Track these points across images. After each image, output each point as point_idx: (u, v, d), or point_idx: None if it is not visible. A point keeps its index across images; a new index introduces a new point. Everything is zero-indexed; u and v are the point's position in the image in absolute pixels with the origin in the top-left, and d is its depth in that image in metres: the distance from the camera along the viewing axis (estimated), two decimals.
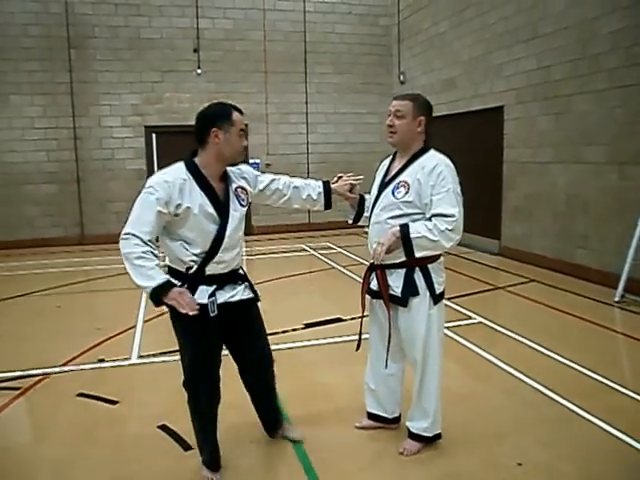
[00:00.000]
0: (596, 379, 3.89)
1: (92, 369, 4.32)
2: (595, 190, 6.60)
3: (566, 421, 3.33)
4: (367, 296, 3.03)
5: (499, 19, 8.22)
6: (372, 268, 2.95)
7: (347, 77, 11.55)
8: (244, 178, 2.84)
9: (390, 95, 3.15)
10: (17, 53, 9.80)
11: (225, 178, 2.72)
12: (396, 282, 2.84)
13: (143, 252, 2.43)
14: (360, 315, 3.07)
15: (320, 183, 3.07)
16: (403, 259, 2.77)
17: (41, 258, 9.09)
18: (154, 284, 2.39)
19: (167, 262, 2.69)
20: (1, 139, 9.92)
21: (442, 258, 2.92)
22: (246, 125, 2.72)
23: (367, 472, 2.85)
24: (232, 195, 2.70)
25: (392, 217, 2.81)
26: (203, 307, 2.53)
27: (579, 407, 3.45)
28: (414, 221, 2.74)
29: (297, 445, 3.10)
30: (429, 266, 2.82)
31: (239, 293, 2.75)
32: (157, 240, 2.62)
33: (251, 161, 10.48)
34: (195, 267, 2.58)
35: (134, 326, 5.31)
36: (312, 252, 9.25)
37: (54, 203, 10.28)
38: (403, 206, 2.78)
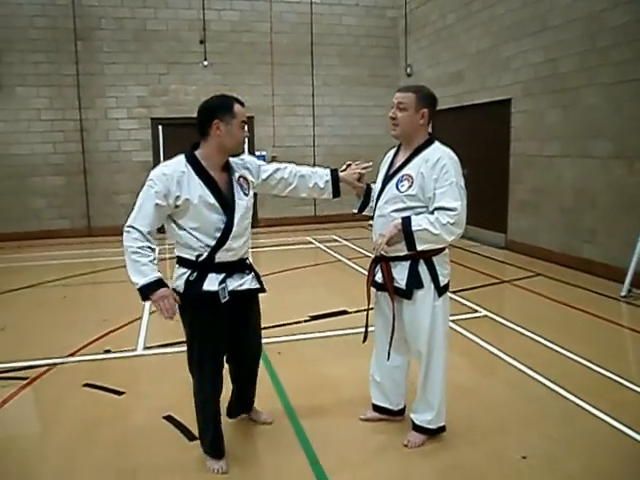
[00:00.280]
0: (601, 373, 3.88)
1: (98, 360, 4.35)
2: (602, 184, 6.56)
3: (571, 415, 3.33)
4: (372, 289, 3.03)
5: (507, 11, 8.15)
6: (377, 261, 2.95)
7: (354, 69, 11.50)
8: (246, 168, 2.86)
9: (397, 88, 3.19)
10: (23, 44, 9.81)
11: (228, 169, 2.74)
12: (400, 274, 2.84)
13: (140, 247, 2.52)
14: (365, 308, 3.07)
15: (327, 171, 3.05)
16: (407, 252, 2.77)
17: (48, 250, 9.13)
18: (143, 281, 2.51)
19: (176, 252, 2.72)
20: (7, 131, 9.94)
21: (447, 250, 2.91)
22: (250, 117, 2.74)
23: (371, 464, 2.86)
24: (236, 185, 2.73)
25: (395, 210, 2.80)
26: (213, 294, 2.60)
27: (584, 401, 3.44)
28: (418, 214, 2.74)
29: (301, 436, 3.11)
30: (434, 258, 2.82)
31: (247, 282, 2.79)
32: (159, 231, 2.67)
33: (257, 154, 10.48)
34: (205, 255, 2.62)
35: (140, 317, 5.33)
36: (318, 245, 9.25)
37: (61, 195, 10.31)
38: (407, 199, 2.77)
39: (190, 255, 2.65)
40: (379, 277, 2.93)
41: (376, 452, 2.97)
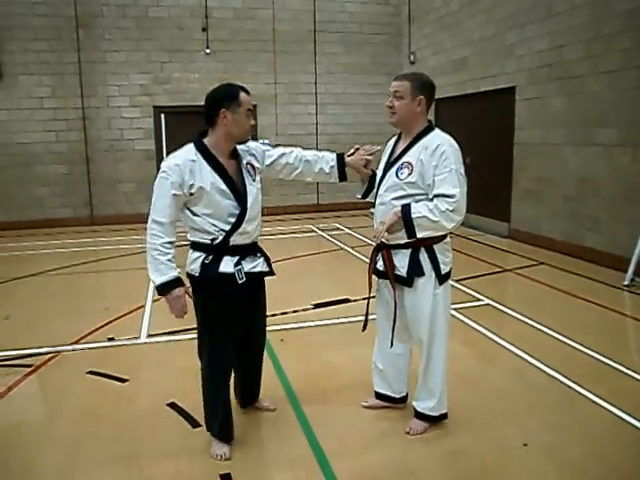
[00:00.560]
0: (604, 362, 3.88)
1: (102, 348, 4.37)
2: (607, 172, 6.53)
3: (573, 403, 3.34)
4: (374, 276, 3.03)
5: None
6: (378, 248, 2.95)
7: (357, 57, 11.43)
8: (252, 155, 2.91)
9: (422, 73, 3.16)
10: (25, 32, 9.77)
11: (235, 156, 2.80)
12: (401, 262, 2.84)
13: (160, 244, 2.60)
14: (367, 296, 3.07)
15: (333, 156, 3.06)
16: (407, 239, 2.77)
17: (51, 238, 9.15)
18: (160, 280, 2.60)
19: (190, 237, 2.77)
20: (10, 119, 9.93)
21: (448, 238, 2.91)
22: (254, 105, 2.76)
23: (373, 450, 2.88)
24: (244, 171, 2.79)
25: (396, 198, 2.80)
26: (230, 276, 2.69)
27: (586, 389, 3.45)
28: (418, 202, 2.74)
29: (304, 423, 3.13)
30: (435, 246, 2.82)
31: (259, 265, 2.87)
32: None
33: (260, 141, 10.44)
34: (220, 238, 2.68)
35: (143, 305, 5.35)
36: (321, 233, 9.24)
37: (63, 184, 10.32)
38: (407, 187, 2.77)
39: (205, 239, 2.71)
40: (380, 265, 2.94)
41: (378, 439, 2.99)
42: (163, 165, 2.66)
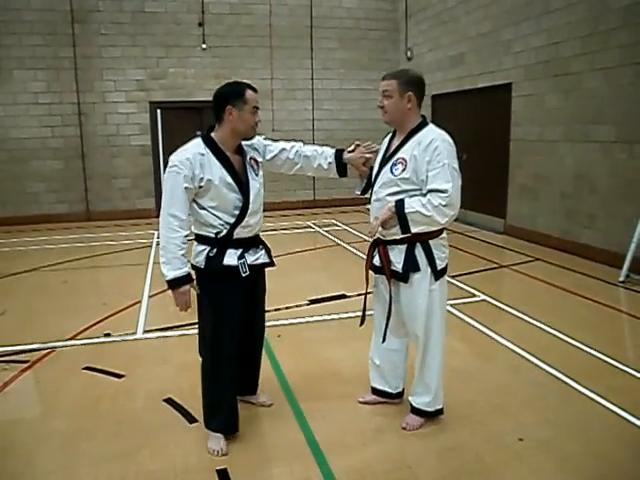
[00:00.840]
0: (600, 358, 3.90)
1: (98, 343, 4.37)
2: (604, 169, 6.54)
3: (568, 399, 3.35)
4: (371, 272, 3.04)
5: None
6: (375, 244, 2.95)
7: (353, 53, 11.41)
8: (255, 149, 2.97)
9: (409, 69, 3.17)
10: (20, 27, 9.70)
11: (240, 151, 2.86)
12: (397, 258, 2.85)
13: (178, 238, 2.66)
14: (364, 291, 3.08)
15: (332, 152, 3.08)
16: (402, 235, 2.78)
17: (47, 234, 9.12)
18: (171, 275, 2.66)
19: (195, 230, 2.82)
20: (6, 114, 9.87)
21: (444, 234, 2.91)
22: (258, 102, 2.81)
23: (370, 446, 2.89)
24: (248, 166, 2.85)
25: (390, 194, 2.82)
26: (234, 268, 2.75)
27: (581, 385, 3.47)
28: (412, 197, 2.74)
29: (300, 418, 3.13)
30: (430, 242, 2.83)
31: (261, 257, 2.93)
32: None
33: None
34: (224, 231, 2.75)
35: (139, 301, 5.34)
36: (317, 229, 9.25)
37: (59, 179, 10.27)
38: (401, 183, 2.78)
39: (209, 232, 2.76)
40: (377, 260, 2.95)
41: (374, 434, 3.00)
42: (173, 159, 2.69)
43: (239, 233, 2.78)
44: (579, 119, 6.87)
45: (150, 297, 5.45)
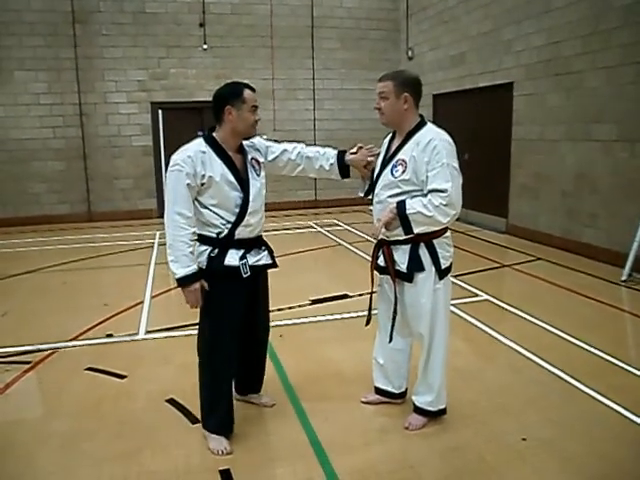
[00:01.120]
0: (602, 357, 3.89)
1: (100, 344, 4.37)
2: (605, 168, 6.53)
3: (571, 398, 3.35)
4: (376, 272, 3.04)
5: None
6: (380, 245, 2.95)
7: (354, 53, 11.41)
8: (256, 150, 2.98)
9: (404, 69, 3.20)
10: (21, 28, 9.71)
11: (242, 151, 2.88)
12: (402, 258, 2.85)
13: (186, 235, 2.66)
14: (367, 291, 3.08)
15: (334, 154, 3.07)
16: (405, 235, 2.78)
17: (48, 235, 9.12)
18: (181, 273, 2.66)
19: (197, 231, 2.81)
20: (7, 115, 9.88)
21: (449, 233, 2.91)
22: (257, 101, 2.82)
23: (373, 446, 2.88)
24: (249, 166, 2.86)
25: (392, 195, 2.82)
26: (235, 269, 2.76)
27: (584, 384, 3.46)
28: (413, 198, 2.74)
29: (303, 418, 3.13)
30: (434, 241, 2.83)
31: (264, 258, 2.93)
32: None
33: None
34: (226, 231, 2.76)
35: (141, 302, 5.34)
36: (319, 229, 9.25)
37: (61, 180, 10.28)
38: (402, 184, 2.78)
39: (211, 232, 2.77)
40: (381, 261, 2.95)
41: (377, 434, 3.00)
42: (175, 158, 2.70)
43: (240, 233, 2.78)
44: (580, 118, 6.86)
45: (152, 298, 5.45)
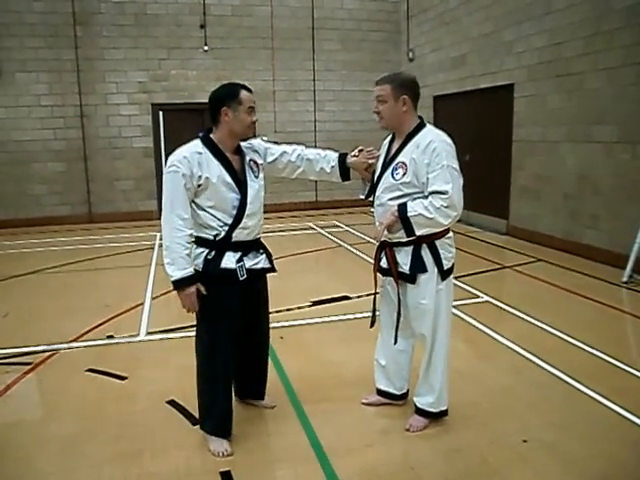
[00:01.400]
0: (603, 359, 3.88)
1: (101, 345, 4.36)
2: (606, 169, 6.52)
3: (572, 400, 3.34)
4: (379, 274, 3.03)
5: None
6: (382, 247, 2.95)
7: (355, 54, 11.41)
8: (255, 151, 2.96)
9: (401, 72, 3.22)
10: (22, 29, 9.72)
11: (239, 152, 2.85)
12: (404, 259, 2.85)
13: (183, 237, 2.64)
14: (369, 293, 3.08)
15: (335, 156, 3.06)
16: (407, 238, 2.78)
17: (49, 236, 9.13)
18: (177, 275, 2.63)
19: (194, 233, 2.78)
20: (8, 117, 9.89)
21: (451, 233, 2.91)
22: (254, 102, 2.79)
23: (374, 447, 2.87)
24: (247, 167, 2.84)
25: (393, 198, 2.82)
26: (231, 272, 2.74)
27: (585, 386, 3.45)
28: (415, 200, 2.74)
29: (304, 420, 3.12)
30: (436, 242, 2.82)
31: (261, 262, 2.91)
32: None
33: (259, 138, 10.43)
34: (223, 234, 2.73)
35: (142, 303, 5.34)
36: (319, 230, 9.24)
37: (61, 181, 10.28)
38: (403, 187, 2.78)
39: (208, 235, 2.75)
40: (384, 262, 2.94)
41: (378, 436, 2.99)
42: (171, 160, 2.68)
43: (238, 235, 2.76)
44: (582, 119, 6.86)
45: (153, 299, 5.45)
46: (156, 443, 2.94)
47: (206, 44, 10.54)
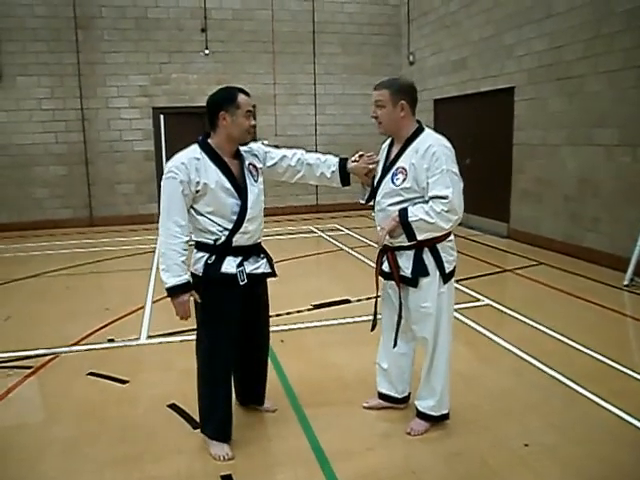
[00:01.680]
0: (604, 362, 3.88)
1: (102, 349, 4.36)
2: (607, 172, 6.52)
3: (573, 403, 3.34)
4: (380, 278, 3.04)
5: None
6: (384, 251, 2.95)
7: (356, 58, 11.43)
8: (254, 155, 2.94)
9: (399, 77, 3.22)
10: (23, 34, 9.75)
11: (238, 156, 2.83)
12: (406, 263, 2.85)
13: (179, 245, 2.63)
14: (370, 296, 3.09)
15: (336, 161, 3.05)
16: (408, 242, 2.79)
17: (51, 239, 9.15)
18: (171, 282, 2.63)
19: (194, 238, 2.80)
20: (9, 121, 9.90)
21: (452, 237, 2.91)
22: (253, 106, 2.79)
23: (375, 451, 2.87)
24: (246, 172, 2.82)
25: (393, 204, 2.82)
26: (232, 276, 2.72)
27: (586, 389, 3.45)
28: (415, 205, 2.74)
29: (305, 424, 3.12)
30: (438, 246, 2.83)
31: (262, 266, 2.89)
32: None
33: (260, 142, 10.45)
34: (223, 238, 2.72)
35: (143, 306, 5.34)
36: (320, 234, 9.25)
37: (63, 185, 10.29)
38: (403, 192, 2.79)
39: (208, 239, 2.74)
40: (386, 266, 2.95)
41: (379, 439, 2.99)
42: (169, 166, 2.67)
43: (238, 240, 2.75)
44: (582, 123, 6.86)
45: (154, 302, 5.45)
46: (157, 447, 2.94)
47: (207, 48, 10.56)
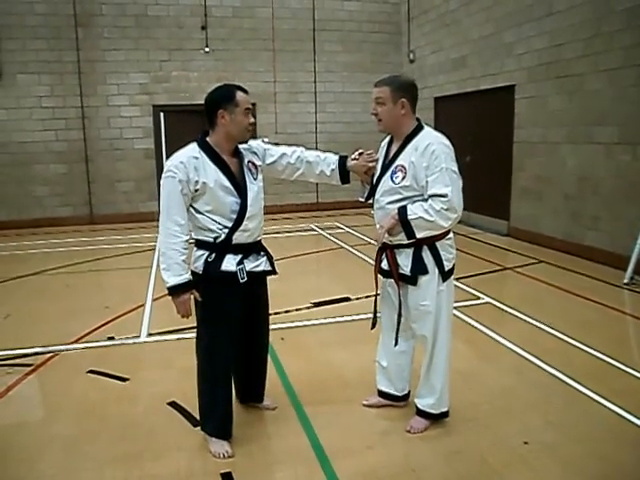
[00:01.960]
0: (604, 360, 3.88)
1: (102, 347, 4.36)
2: (607, 171, 6.52)
3: (573, 401, 3.34)
4: (380, 276, 3.04)
5: None
6: (383, 249, 2.95)
7: (356, 55, 11.42)
8: (253, 153, 2.94)
9: (399, 74, 3.21)
10: (23, 31, 9.74)
11: (237, 154, 2.83)
12: (405, 261, 2.85)
13: (179, 244, 2.63)
14: (370, 294, 3.08)
15: (335, 159, 3.04)
16: (408, 240, 2.79)
17: (51, 237, 9.14)
18: (172, 282, 2.64)
19: (194, 236, 2.80)
20: (9, 118, 9.90)
21: (451, 234, 2.91)
22: (253, 104, 2.77)
23: (374, 449, 2.88)
24: (246, 169, 2.82)
25: (392, 202, 2.82)
26: (232, 274, 2.72)
27: (586, 387, 3.46)
28: (414, 203, 2.74)
29: (305, 422, 3.13)
30: (437, 244, 2.83)
31: (262, 264, 2.89)
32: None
33: (259, 139, 10.45)
34: (223, 236, 2.72)
35: (143, 304, 5.34)
36: (320, 232, 9.25)
37: (63, 183, 10.29)
38: (402, 190, 2.79)
39: (208, 237, 2.74)
40: (385, 264, 2.95)
41: (379, 437, 2.99)
42: (168, 165, 2.67)
43: (238, 238, 2.75)
44: (582, 121, 6.86)
45: (154, 300, 5.45)
46: (157, 444, 2.94)
47: (207, 45, 10.55)
